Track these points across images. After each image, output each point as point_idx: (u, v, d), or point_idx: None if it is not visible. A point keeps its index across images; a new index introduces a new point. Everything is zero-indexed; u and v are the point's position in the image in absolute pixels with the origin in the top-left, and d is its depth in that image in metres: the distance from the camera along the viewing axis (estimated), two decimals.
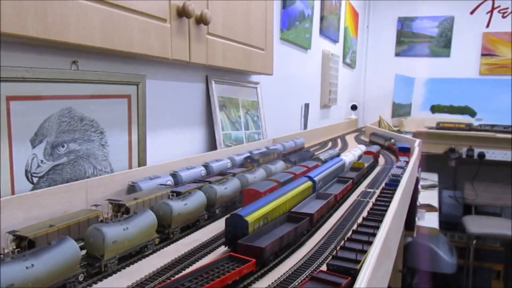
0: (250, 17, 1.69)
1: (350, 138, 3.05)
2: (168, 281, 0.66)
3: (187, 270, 0.71)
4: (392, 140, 2.33)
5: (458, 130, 4.31)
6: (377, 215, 0.91)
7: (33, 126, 0.96)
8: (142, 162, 1.30)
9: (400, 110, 4.59)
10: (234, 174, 1.23)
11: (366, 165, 1.53)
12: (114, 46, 1.03)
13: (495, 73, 4.72)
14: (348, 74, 4.45)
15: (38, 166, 0.98)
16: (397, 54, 5.12)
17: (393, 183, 1.26)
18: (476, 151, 4.17)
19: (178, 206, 0.85)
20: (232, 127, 1.79)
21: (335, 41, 3.64)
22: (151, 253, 0.79)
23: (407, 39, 5.06)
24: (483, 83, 4.76)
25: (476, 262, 4.03)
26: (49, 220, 0.78)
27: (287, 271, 0.71)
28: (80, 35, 0.93)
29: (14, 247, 0.67)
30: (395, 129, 4.05)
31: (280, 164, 1.42)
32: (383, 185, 1.35)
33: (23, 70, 0.91)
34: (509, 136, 4.07)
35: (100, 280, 0.68)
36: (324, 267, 0.71)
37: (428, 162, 3.74)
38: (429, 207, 2.80)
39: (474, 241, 3.98)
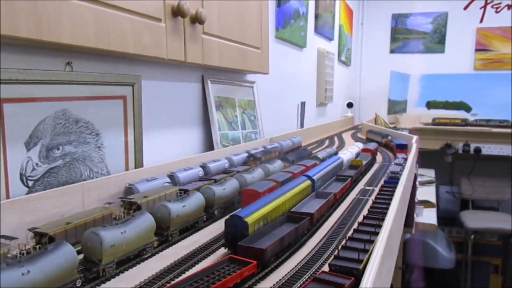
0: (245, 15, 1.68)
1: (346, 136, 3.04)
2: (168, 285, 0.65)
3: (187, 274, 0.70)
4: (389, 137, 2.33)
5: (454, 125, 4.32)
6: (378, 213, 0.90)
7: (28, 128, 0.95)
8: (138, 163, 1.29)
9: (396, 106, 4.59)
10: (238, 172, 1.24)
11: (364, 162, 1.52)
12: (109, 47, 1.01)
13: (490, 68, 4.73)
14: (344, 71, 4.45)
15: (33, 169, 0.96)
16: (392, 51, 5.13)
17: (392, 180, 1.25)
18: (472, 146, 4.18)
19: (176, 208, 0.84)
20: (229, 127, 1.78)
21: (330, 39, 3.64)
22: (149, 257, 0.78)
23: (401, 35, 5.06)
24: (477, 78, 4.77)
25: (474, 257, 4.05)
26: (65, 218, 0.80)
27: (288, 272, 0.70)
28: (74, 36, 0.91)
29: (35, 243, 0.70)
30: (391, 126, 4.05)
31: (278, 164, 1.41)
32: (382, 182, 1.34)
33: (17, 71, 0.90)
34: (504, 130, 4.08)
35: (98, 285, 0.66)
36: (326, 268, 0.70)
37: (425, 158, 3.73)
38: (427, 203, 2.80)
39: (472, 236, 3.99)
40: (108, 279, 0.68)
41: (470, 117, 4.63)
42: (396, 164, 1.47)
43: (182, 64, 1.39)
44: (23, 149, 0.94)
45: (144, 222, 0.76)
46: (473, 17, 4.69)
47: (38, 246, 0.67)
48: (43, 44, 0.90)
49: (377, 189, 1.30)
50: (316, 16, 3.16)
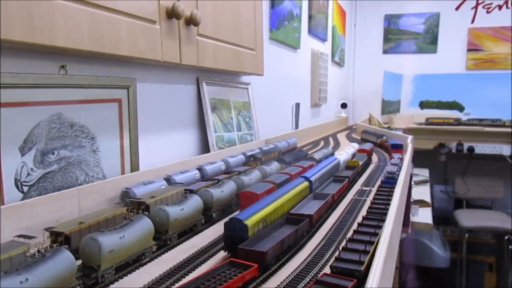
0: (240, 17, 1.68)
1: (341, 137, 3.05)
2: None
3: (188, 278, 0.69)
4: (384, 137, 2.33)
5: (447, 125, 4.35)
6: (377, 213, 0.90)
7: (22, 133, 0.93)
8: (134, 167, 1.28)
9: (390, 107, 4.61)
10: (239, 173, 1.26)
11: (360, 163, 1.52)
12: (103, 49, 1.00)
13: (482, 68, 4.77)
14: (337, 72, 4.46)
15: (28, 174, 0.95)
16: (384, 52, 5.15)
17: (389, 181, 1.25)
18: (466, 145, 4.21)
19: (174, 211, 0.83)
20: (225, 129, 1.77)
21: (323, 40, 3.64)
22: (148, 261, 0.77)
23: (394, 36, 5.09)
24: (470, 78, 4.81)
25: (469, 255, 4.07)
26: (78, 218, 0.81)
27: (289, 275, 0.69)
28: (68, 39, 0.90)
29: (51, 242, 0.73)
30: (385, 126, 4.07)
31: (275, 165, 1.40)
32: (379, 182, 1.34)
33: (10, 75, 0.89)
34: (497, 129, 4.11)
35: None
36: (327, 270, 0.70)
37: (419, 158, 3.76)
38: (422, 203, 2.81)
39: (467, 235, 4.01)
40: (107, 285, 0.67)
41: (463, 117, 4.66)
42: (393, 164, 1.47)
43: (177, 66, 1.38)
44: (17, 154, 0.92)
45: (143, 226, 0.75)
46: (465, 18, 4.73)
47: (55, 245, 0.70)
48: (37, 47, 0.89)
49: (374, 190, 1.30)
50: (310, 17, 3.17)
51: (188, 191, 1.03)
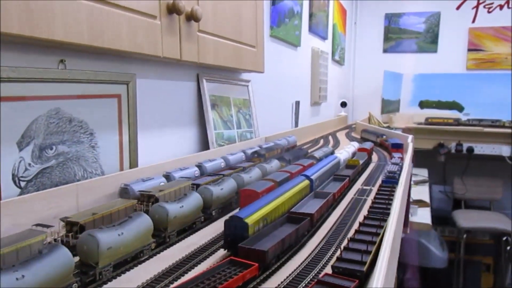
0: (240, 14, 1.67)
1: (341, 135, 3.04)
2: None
3: (187, 277, 0.68)
4: (384, 137, 2.32)
5: (447, 125, 4.34)
6: (378, 213, 0.89)
7: (20, 128, 0.92)
8: (133, 163, 1.26)
9: (389, 106, 4.60)
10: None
11: (361, 162, 1.51)
12: (103, 44, 0.99)
13: (482, 68, 4.76)
14: (337, 71, 4.45)
15: (26, 169, 0.94)
16: (385, 51, 5.14)
17: (390, 180, 1.25)
18: (465, 145, 4.20)
19: (174, 208, 0.82)
20: (224, 126, 1.76)
21: (324, 38, 3.63)
22: (147, 259, 0.76)
23: (394, 35, 5.08)
24: (470, 78, 4.80)
25: (466, 256, 4.07)
26: (91, 209, 0.83)
27: (290, 274, 0.68)
28: (67, 32, 0.89)
29: (66, 232, 0.76)
30: (385, 125, 4.06)
31: (275, 163, 1.39)
32: (379, 182, 1.33)
33: (8, 69, 0.87)
34: (497, 130, 4.11)
35: None
36: (328, 270, 0.69)
37: (418, 158, 3.75)
38: (421, 203, 2.80)
39: (464, 235, 4.01)
40: (105, 283, 0.66)
41: (462, 117, 4.65)
42: (393, 163, 1.46)
43: (177, 62, 1.37)
44: (15, 149, 0.91)
45: (142, 223, 0.74)
46: (466, 17, 4.72)
47: (70, 234, 0.73)
48: (36, 41, 0.88)
49: (375, 189, 1.29)
50: (310, 15, 3.15)
51: (195, 186, 1.05)
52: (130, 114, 1.25)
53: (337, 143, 2.54)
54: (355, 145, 1.89)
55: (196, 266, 0.73)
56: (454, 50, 4.83)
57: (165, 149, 1.46)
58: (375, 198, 1.04)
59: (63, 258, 0.58)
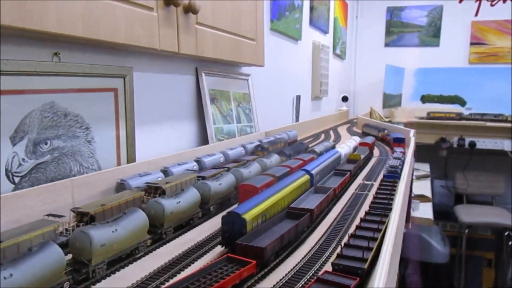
0: (240, 6, 1.64)
1: (342, 130, 3.01)
2: (163, 286, 0.61)
3: (183, 274, 0.66)
4: (386, 131, 2.30)
5: (449, 119, 4.31)
6: (380, 209, 0.87)
7: (13, 122, 0.90)
8: (131, 158, 1.25)
9: (391, 100, 4.57)
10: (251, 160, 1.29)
11: (362, 156, 1.49)
12: (98, 36, 0.97)
13: (484, 62, 4.72)
14: (339, 65, 4.42)
15: (20, 164, 0.92)
16: (386, 44, 5.10)
17: (392, 175, 1.22)
18: (467, 140, 4.17)
19: (170, 204, 0.80)
20: (224, 121, 1.74)
21: (325, 32, 3.60)
22: (142, 256, 0.74)
23: (396, 29, 5.03)
24: (472, 72, 4.76)
25: (468, 251, 4.05)
26: (100, 200, 0.84)
27: (289, 272, 0.67)
28: (61, 24, 0.86)
29: (77, 222, 0.76)
30: (387, 120, 4.03)
31: (275, 158, 1.37)
32: (381, 177, 1.31)
33: (1, 62, 0.85)
34: (499, 124, 4.08)
35: (88, 287, 0.63)
36: (328, 267, 0.67)
37: (420, 152, 3.73)
38: (423, 198, 2.78)
39: (466, 230, 3.99)
40: (99, 281, 0.64)
41: (464, 111, 4.62)
42: (395, 158, 1.44)
43: (175, 55, 1.35)
44: (8, 144, 0.89)
45: (137, 219, 0.72)
46: (468, 11, 4.67)
47: (81, 224, 0.74)
48: (28, 33, 0.86)
49: (376, 184, 1.27)
50: (311, 9, 3.12)
51: (201, 178, 1.07)
52: (127, 108, 1.23)
53: (338, 138, 2.51)
54: (356, 140, 1.87)
55: (193, 263, 0.71)
56: (457, 44, 4.79)
57: (164, 144, 1.44)
58: (376, 193, 1.02)
59: (54, 256, 0.56)
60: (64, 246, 0.68)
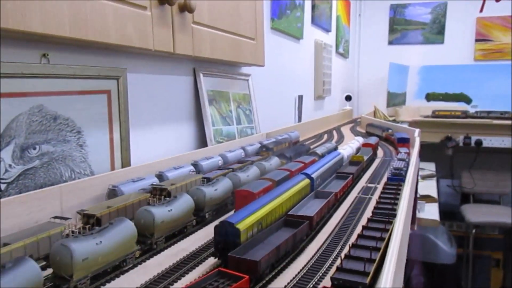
0: (238, 5, 1.60)
1: (345, 130, 2.96)
2: None
3: None
4: (390, 131, 2.25)
5: (454, 118, 4.25)
6: (383, 215, 0.82)
7: None
8: (125, 162, 1.20)
9: (395, 99, 4.51)
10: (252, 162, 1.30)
11: (365, 158, 1.44)
12: (87, 37, 0.93)
13: (490, 59, 4.65)
14: (342, 64, 4.36)
15: (6, 171, 0.88)
16: (390, 42, 5.04)
17: (396, 177, 1.18)
18: (473, 138, 4.11)
19: (161, 212, 0.76)
20: (223, 122, 1.69)
21: (327, 30, 3.55)
22: (131, 268, 0.70)
23: (400, 26, 4.97)
24: (478, 69, 4.69)
25: (475, 251, 3.99)
26: (106, 202, 0.85)
27: (285, 286, 0.62)
28: (46, 24, 0.82)
29: (82, 224, 0.77)
30: (391, 119, 3.97)
31: (274, 161, 1.33)
32: (384, 179, 1.27)
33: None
34: (506, 122, 4.01)
35: None
36: (327, 281, 0.62)
37: (425, 151, 3.66)
38: (428, 198, 2.73)
39: (473, 230, 3.93)
40: None
41: (470, 109, 4.55)
42: (399, 159, 1.39)
43: (171, 56, 1.31)
44: None
45: (124, 230, 0.68)
46: (473, 7, 4.59)
47: (88, 226, 0.73)
48: (13, 34, 0.82)
49: (380, 187, 1.22)
50: (313, 7, 3.07)
51: (205, 179, 1.08)
52: (121, 111, 1.19)
53: (341, 138, 2.47)
54: (359, 140, 1.82)
55: (184, 276, 0.67)
56: (461, 41, 4.72)
57: (160, 147, 1.40)
58: (380, 197, 0.98)
59: (30, 272, 0.52)
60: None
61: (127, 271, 0.69)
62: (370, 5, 5.06)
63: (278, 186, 0.95)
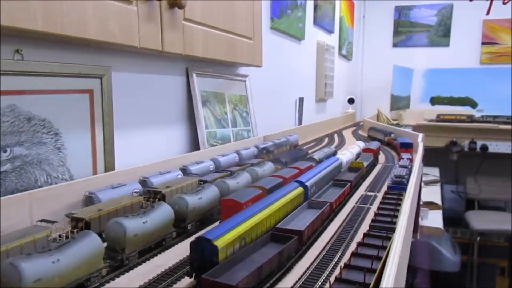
0: (234, 2, 1.52)
1: (347, 133, 2.89)
2: None
3: None
4: (392, 135, 2.17)
5: (459, 122, 4.16)
6: (381, 229, 0.75)
7: None
8: (109, 166, 1.13)
9: (399, 102, 4.43)
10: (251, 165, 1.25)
11: (365, 164, 1.36)
12: (63, 31, 0.86)
13: (496, 62, 4.55)
14: (345, 66, 4.28)
15: None
16: (394, 45, 4.95)
17: (397, 186, 1.10)
18: (479, 143, 4.02)
19: (134, 225, 0.69)
20: (218, 125, 1.62)
21: (330, 31, 3.47)
22: (96, 287, 0.62)
23: (404, 28, 4.88)
24: (484, 73, 4.60)
25: (480, 259, 3.89)
26: (97, 205, 0.83)
27: None
28: (14, 17, 0.76)
29: (71, 228, 0.75)
30: (394, 122, 3.89)
31: (268, 166, 1.25)
32: (385, 187, 1.19)
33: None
34: None
35: None
36: None
37: (429, 156, 3.57)
38: (432, 205, 2.64)
39: (478, 237, 3.83)
40: None
41: (476, 113, 4.46)
42: (401, 166, 1.31)
43: (160, 54, 1.24)
44: None
45: (88, 245, 0.60)
46: (479, 9, 4.50)
47: (76, 230, 0.71)
48: None
49: (379, 196, 1.15)
50: (315, 7, 3.00)
51: (202, 182, 1.05)
52: (105, 112, 1.12)
53: (342, 142, 2.39)
54: (360, 145, 1.75)
55: None
56: (467, 44, 4.62)
57: (149, 150, 1.33)
58: (378, 208, 0.90)
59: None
60: None
61: None
62: (375, 7, 4.98)
63: (269, 195, 0.87)
